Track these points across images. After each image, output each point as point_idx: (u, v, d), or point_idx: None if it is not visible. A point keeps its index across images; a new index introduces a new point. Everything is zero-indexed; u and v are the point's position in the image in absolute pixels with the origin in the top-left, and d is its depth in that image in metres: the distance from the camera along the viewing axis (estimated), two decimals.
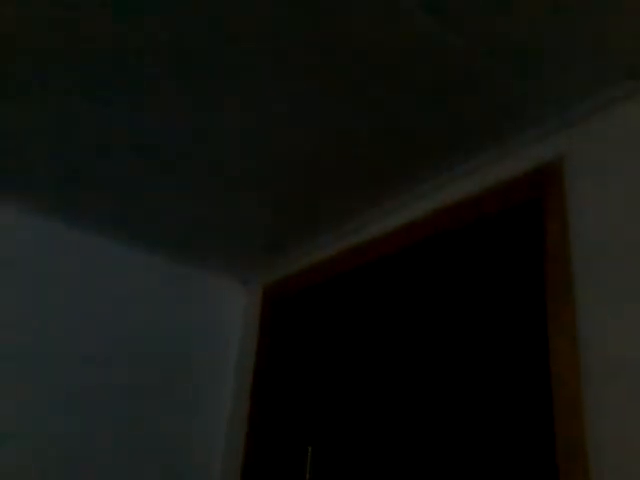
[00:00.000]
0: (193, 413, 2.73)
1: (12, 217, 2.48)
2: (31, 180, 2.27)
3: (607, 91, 1.71)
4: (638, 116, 1.67)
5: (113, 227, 2.59)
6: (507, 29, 1.51)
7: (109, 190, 2.30)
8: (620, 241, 1.61)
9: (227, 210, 2.39)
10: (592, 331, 1.59)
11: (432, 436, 1.88)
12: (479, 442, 1.76)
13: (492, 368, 1.80)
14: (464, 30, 1.51)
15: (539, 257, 1.77)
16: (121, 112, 1.87)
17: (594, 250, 1.65)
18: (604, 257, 1.63)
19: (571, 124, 1.81)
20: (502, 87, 1.70)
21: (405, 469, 1.92)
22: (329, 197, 2.25)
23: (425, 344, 2.01)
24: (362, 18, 1.48)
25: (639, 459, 1.41)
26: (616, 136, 1.71)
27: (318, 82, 1.71)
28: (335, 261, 2.45)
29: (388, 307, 2.20)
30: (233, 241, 2.64)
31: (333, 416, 2.24)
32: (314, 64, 1.64)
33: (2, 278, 2.41)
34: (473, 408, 1.81)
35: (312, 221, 2.43)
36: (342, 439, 2.17)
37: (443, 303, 2.01)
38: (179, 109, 1.85)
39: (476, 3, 1.43)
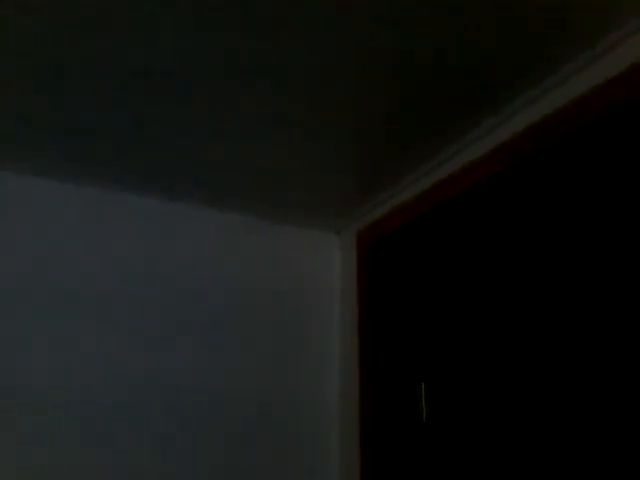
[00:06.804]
0: (305, 364, 2.80)
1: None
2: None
3: None
4: None
5: (204, 193, 2.63)
6: None
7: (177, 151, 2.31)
8: None
9: (312, 161, 2.34)
10: None
11: (548, 371, 1.75)
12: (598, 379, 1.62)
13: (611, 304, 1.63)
14: None
15: None
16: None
17: None
18: None
19: None
20: None
21: (517, 401, 1.84)
22: (414, 131, 2.14)
23: (531, 270, 1.87)
24: None
25: None
26: None
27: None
28: (426, 195, 2.37)
29: (490, 233, 2.06)
30: (323, 192, 2.61)
31: (443, 352, 2.19)
32: None
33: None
34: (593, 343, 1.65)
35: (397, 160, 2.34)
36: (454, 374, 2.12)
37: (546, 227, 1.85)
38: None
39: None
